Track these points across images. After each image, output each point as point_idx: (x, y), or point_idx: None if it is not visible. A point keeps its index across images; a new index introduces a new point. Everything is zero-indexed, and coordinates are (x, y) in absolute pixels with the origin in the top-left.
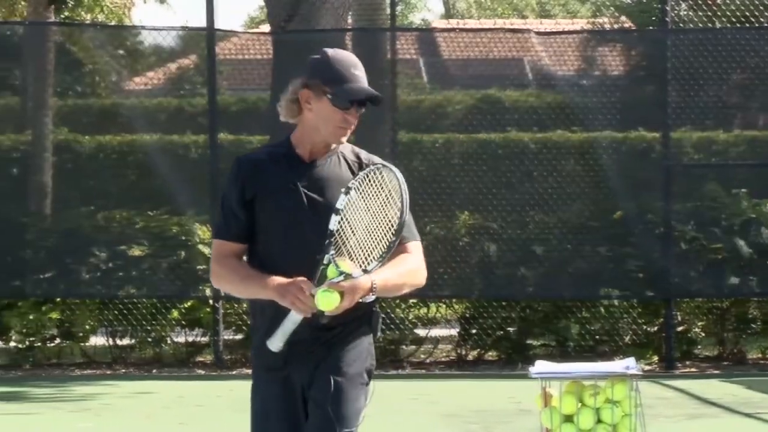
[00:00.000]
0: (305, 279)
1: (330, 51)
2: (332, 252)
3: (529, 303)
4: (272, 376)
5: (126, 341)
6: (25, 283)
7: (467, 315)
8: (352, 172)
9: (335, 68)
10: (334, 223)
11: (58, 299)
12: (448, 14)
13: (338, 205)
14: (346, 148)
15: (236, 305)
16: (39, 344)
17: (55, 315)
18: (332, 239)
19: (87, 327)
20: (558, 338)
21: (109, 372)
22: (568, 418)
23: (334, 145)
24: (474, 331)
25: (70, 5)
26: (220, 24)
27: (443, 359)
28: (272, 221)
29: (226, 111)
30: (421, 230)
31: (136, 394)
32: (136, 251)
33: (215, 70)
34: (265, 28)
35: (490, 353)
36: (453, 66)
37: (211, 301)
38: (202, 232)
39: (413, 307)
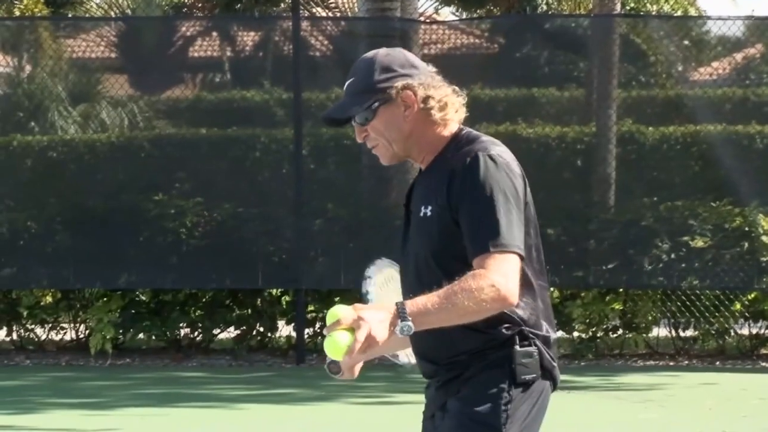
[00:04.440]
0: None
1: None
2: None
3: None
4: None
5: (689, 333)
6: (588, 274)
7: None
8: (443, 177)
9: None
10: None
11: (621, 290)
12: None
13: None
14: (457, 144)
15: None
16: (601, 335)
17: (617, 305)
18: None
19: (649, 318)
20: None
21: (672, 363)
22: None
23: (442, 145)
24: None
25: None
26: None
27: None
28: None
29: None
30: None
31: (699, 385)
32: (698, 242)
33: None
34: None
35: None
36: None
37: None
38: (766, 223)
39: None
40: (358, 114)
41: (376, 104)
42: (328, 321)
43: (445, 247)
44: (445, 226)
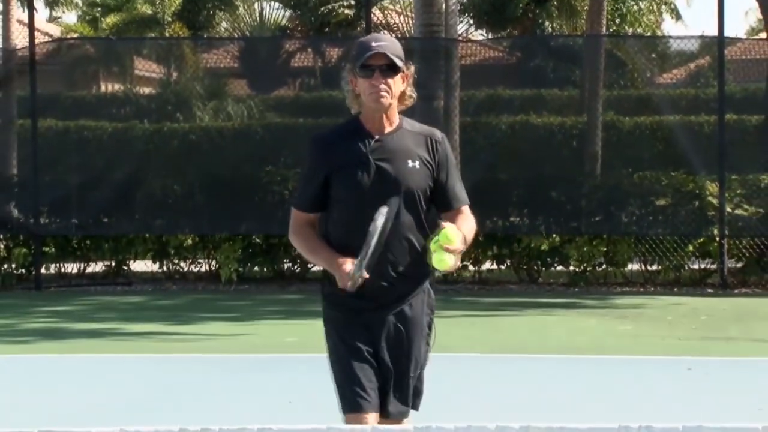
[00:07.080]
0: (348, 261)
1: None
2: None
3: None
4: (350, 318)
5: (654, 267)
6: (581, 224)
7: None
8: (417, 144)
9: (358, 47)
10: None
11: (605, 236)
12: None
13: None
14: (408, 123)
15: (738, 242)
16: (590, 269)
17: (602, 247)
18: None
19: (625, 256)
20: None
21: (641, 290)
22: None
23: (396, 122)
24: None
25: (617, 22)
26: (728, 32)
27: None
28: (349, 192)
29: (731, 98)
30: None
31: (662, 306)
32: (662, 201)
33: (723, 68)
34: (764, 35)
35: None
36: None
37: (717, 239)
38: (712, 188)
39: None
40: (402, 64)
41: (404, 67)
42: (444, 241)
43: (427, 188)
44: (427, 175)
